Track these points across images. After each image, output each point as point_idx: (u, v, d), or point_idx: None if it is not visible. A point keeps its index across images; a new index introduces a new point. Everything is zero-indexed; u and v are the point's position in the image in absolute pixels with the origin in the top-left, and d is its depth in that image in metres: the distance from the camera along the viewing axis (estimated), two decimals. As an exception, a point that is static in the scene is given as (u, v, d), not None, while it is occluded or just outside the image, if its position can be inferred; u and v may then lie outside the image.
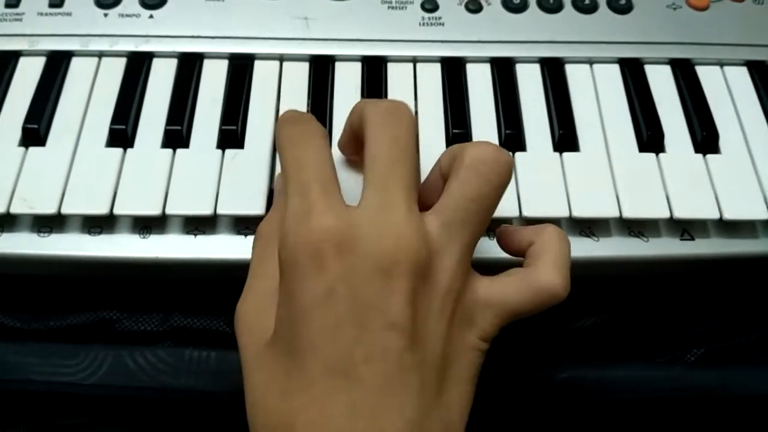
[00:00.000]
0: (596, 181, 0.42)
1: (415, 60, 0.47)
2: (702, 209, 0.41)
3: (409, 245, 0.30)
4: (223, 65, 0.47)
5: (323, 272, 0.29)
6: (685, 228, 0.42)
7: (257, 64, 0.47)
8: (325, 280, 0.29)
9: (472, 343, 0.32)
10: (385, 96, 0.45)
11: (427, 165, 0.41)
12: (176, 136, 0.43)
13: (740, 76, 0.48)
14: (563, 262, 0.33)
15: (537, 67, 0.47)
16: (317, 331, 0.29)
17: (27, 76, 0.46)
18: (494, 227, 0.37)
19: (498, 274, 0.34)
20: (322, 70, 0.46)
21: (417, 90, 0.46)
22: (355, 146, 0.37)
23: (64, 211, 0.40)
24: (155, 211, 0.40)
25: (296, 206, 0.31)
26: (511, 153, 0.43)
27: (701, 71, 0.48)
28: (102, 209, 0.40)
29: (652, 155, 0.43)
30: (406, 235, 0.30)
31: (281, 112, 0.44)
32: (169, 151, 0.42)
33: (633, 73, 0.47)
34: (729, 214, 0.41)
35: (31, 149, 0.42)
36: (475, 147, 0.33)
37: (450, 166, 0.33)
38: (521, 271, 0.33)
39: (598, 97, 0.46)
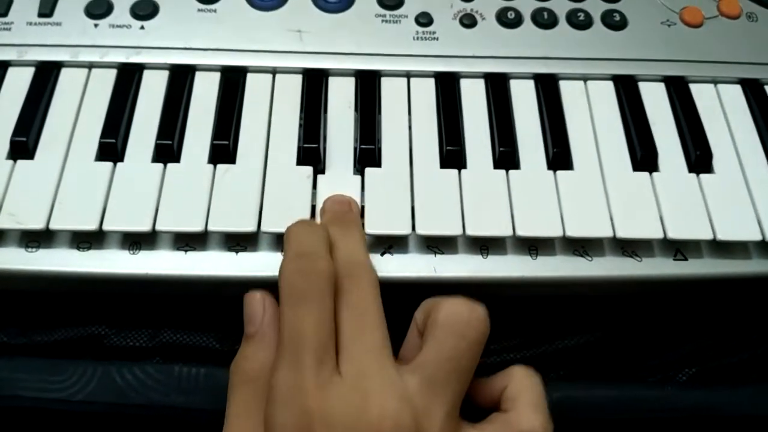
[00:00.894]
0: (590, 200, 0.42)
1: (408, 74, 0.47)
2: (696, 230, 0.41)
3: (391, 415, 0.30)
4: (215, 78, 0.46)
5: None
6: (679, 248, 0.42)
7: (250, 77, 0.46)
8: None
9: None
10: (379, 110, 0.45)
11: (421, 184, 0.42)
12: (167, 151, 0.42)
13: (734, 94, 0.48)
14: (539, 400, 0.34)
15: (531, 83, 0.47)
16: None
17: (15, 87, 0.45)
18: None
19: (481, 422, 0.34)
20: (315, 83, 0.46)
21: (411, 105, 0.46)
22: None
23: (53, 226, 0.39)
24: (145, 227, 0.39)
25: (287, 379, 0.31)
26: (504, 171, 0.43)
27: (695, 89, 0.48)
28: (91, 225, 0.39)
29: (646, 174, 0.43)
30: (388, 404, 0.30)
31: (274, 126, 0.44)
32: (160, 165, 0.42)
33: (627, 91, 0.47)
34: (722, 235, 0.41)
35: (19, 162, 0.42)
36: (447, 304, 0.33)
37: (425, 322, 0.34)
38: (502, 417, 0.34)
39: (592, 114, 0.46)
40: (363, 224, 0.40)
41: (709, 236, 0.41)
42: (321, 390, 0.30)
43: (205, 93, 0.45)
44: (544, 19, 0.49)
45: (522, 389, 0.34)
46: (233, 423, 0.34)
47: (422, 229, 0.40)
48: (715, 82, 0.48)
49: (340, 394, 0.30)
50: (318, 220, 0.40)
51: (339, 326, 0.33)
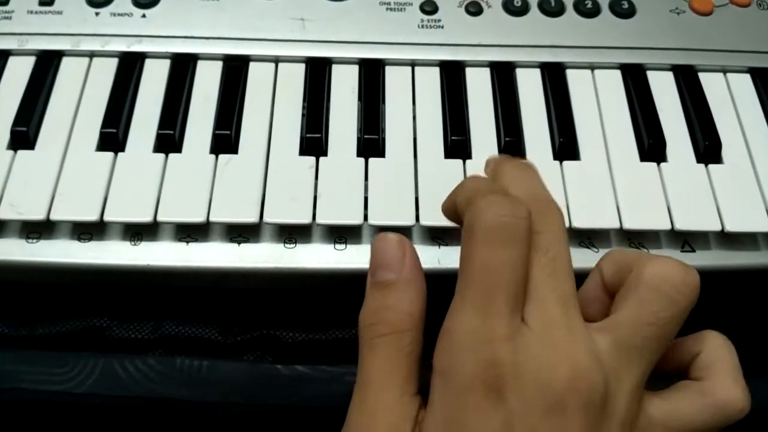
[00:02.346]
0: (597, 191, 0.41)
1: (413, 63, 0.46)
2: (704, 221, 0.41)
3: (583, 374, 0.28)
4: (218, 67, 0.45)
5: (501, 407, 0.27)
6: (686, 239, 0.41)
7: (252, 66, 0.46)
8: (503, 415, 0.27)
9: None
10: (383, 100, 0.44)
11: (425, 174, 0.41)
12: (168, 141, 0.42)
13: (743, 84, 0.47)
14: (738, 372, 0.31)
15: (537, 72, 0.46)
16: None
17: (16, 76, 0.44)
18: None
19: (666, 390, 0.31)
20: (318, 72, 0.45)
21: (415, 94, 0.45)
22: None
23: (53, 217, 0.39)
24: (146, 217, 0.39)
25: (474, 325, 0.28)
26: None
27: (704, 78, 0.47)
28: (92, 216, 0.39)
29: (654, 165, 0.43)
30: (580, 361, 0.28)
31: (276, 115, 0.44)
32: (161, 155, 0.41)
33: (635, 80, 0.46)
34: (731, 227, 0.40)
35: (20, 153, 0.41)
36: (657, 263, 0.30)
37: (617, 277, 0.31)
38: (694, 385, 0.31)
39: (600, 103, 0.45)
40: (366, 215, 0.40)
41: (717, 227, 0.40)
42: (512, 340, 0.28)
43: (207, 82, 0.45)
44: (551, 7, 0.48)
45: (719, 357, 0.31)
46: (378, 379, 0.30)
47: (426, 221, 0.40)
48: (724, 71, 0.47)
49: (530, 346, 0.28)
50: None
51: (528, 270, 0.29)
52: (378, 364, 0.31)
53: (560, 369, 0.28)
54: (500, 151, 0.43)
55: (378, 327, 0.31)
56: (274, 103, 0.44)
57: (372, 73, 0.46)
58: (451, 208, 0.34)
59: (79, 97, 0.44)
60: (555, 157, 0.43)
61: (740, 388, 0.30)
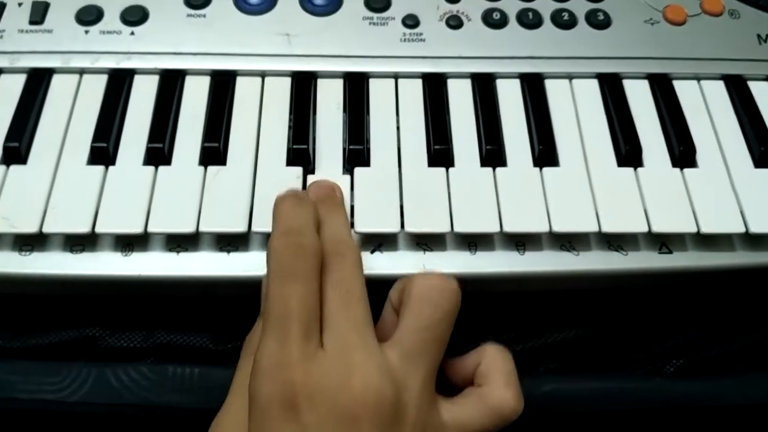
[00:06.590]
0: (576, 196, 0.43)
1: (396, 76, 0.47)
2: (680, 223, 0.42)
3: (373, 387, 0.31)
4: (205, 82, 0.47)
5: (296, 423, 0.30)
6: (664, 241, 0.43)
7: (239, 80, 0.47)
8: (298, 430, 0.30)
9: None
10: (368, 111, 0.46)
11: (409, 182, 0.42)
12: (158, 154, 0.43)
13: (717, 91, 0.48)
14: (511, 377, 0.35)
15: (517, 82, 0.48)
16: None
17: (7, 93, 0.45)
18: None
19: (456, 396, 0.35)
20: (304, 86, 0.47)
21: (399, 106, 0.46)
22: None
23: (46, 230, 0.40)
24: (137, 229, 0.40)
25: (273, 350, 0.32)
26: (491, 169, 0.43)
27: (678, 86, 0.48)
28: (84, 228, 0.40)
29: (631, 170, 0.44)
30: (370, 376, 0.31)
31: (263, 128, 0.45)
32: (151, 168, 0.42)
33: (611, 88, 0.48)
34: (706, 228, 0.42)
35: (12, 167, 0.42)
36: (421, 277, 0.34)
37: (400, 298, 0.35)
38: (476, 391, 0.35)
39: (578, 112, 0.47)
40: (353, 223, 0.41)
41: (693, 229, 0.41)
42: (306, 363, 0.31)
43: (195, 97, 0.46)
44: (529, 20, 0.49)
45: (494, 366, 0.35)
46: (237, 391, 0.35)
47: (411, 227, 0.41)
48: (698, 78, 0.49)
49: (325, 367, 0.31)
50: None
51: (324, 302, 0.33)
52: (241, 377, 0.36)
53: (353, 386, 0.31)
54: (482, 159, 0.44)
55: (246, 348, 0.37)
56: (261, 116, 0.45)
57: (356, 86, 0.47)
58: None
59: (70, 112, 0.45)
60: (535, 164, 0.44)
61: (512, 392, 0.34)
